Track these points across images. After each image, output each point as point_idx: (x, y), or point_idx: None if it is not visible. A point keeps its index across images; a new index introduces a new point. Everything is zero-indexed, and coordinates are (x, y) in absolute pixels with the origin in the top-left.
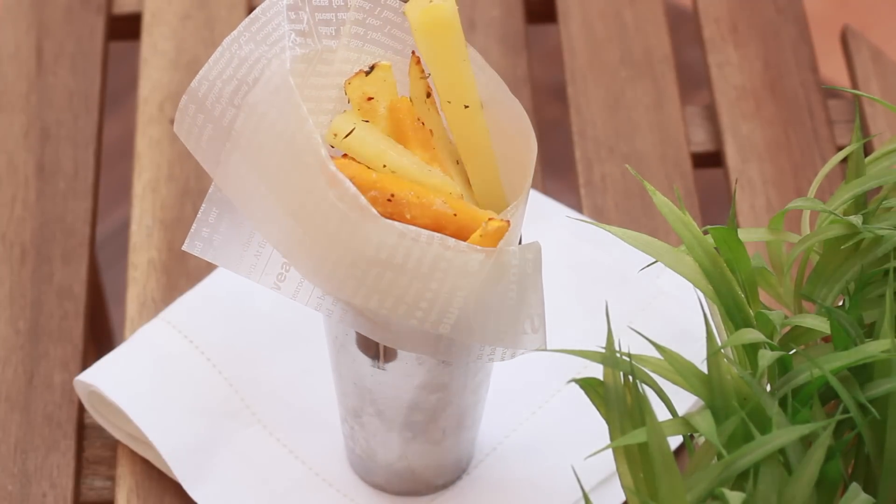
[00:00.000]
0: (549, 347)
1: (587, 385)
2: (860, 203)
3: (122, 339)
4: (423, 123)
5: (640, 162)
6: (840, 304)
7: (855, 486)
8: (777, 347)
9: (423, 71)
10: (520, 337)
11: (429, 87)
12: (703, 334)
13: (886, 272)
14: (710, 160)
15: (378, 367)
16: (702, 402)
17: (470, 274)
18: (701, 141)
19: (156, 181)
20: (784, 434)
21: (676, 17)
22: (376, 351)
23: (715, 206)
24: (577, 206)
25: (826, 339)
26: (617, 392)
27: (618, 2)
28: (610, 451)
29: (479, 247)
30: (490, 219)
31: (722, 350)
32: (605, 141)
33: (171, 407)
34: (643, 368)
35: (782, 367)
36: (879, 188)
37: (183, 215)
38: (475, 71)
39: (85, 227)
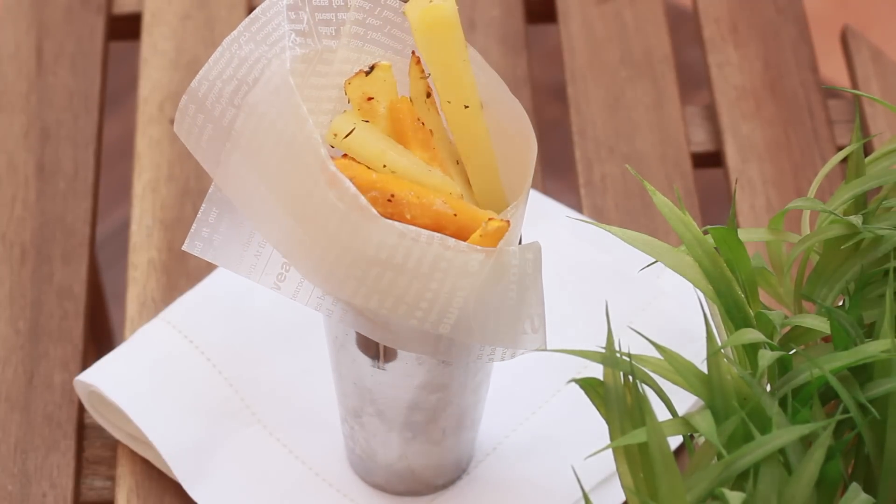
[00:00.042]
0: (549, 347)
1: (587, 385)
2: (860, 203)
3: (122, 339)
4: (423, 123)
5: (640, 162)
6: (840, 304)
7: (855, 486)
8: (777, 347)
9: (423, 71)
10: (520, 337)
11: (429, 87)
12: (703, 334)
13: (886, 272)
14: (710, 160)
15: (378, 367)
16: (702, 402)
17: (470, 274)
18: (701, 141)
19: (156, 181)
20: (784, 434)
21: (676, 17)
22: (376, 351)
23: (715, 206)
24: (577, 206)
25: (826, 339)
26: (617, 392)
27: (618, 2)
28: (610, 451)
29: (479, 247)
30: (490, 219)
31: (722, 350)
32: (605, 141)
33: (171, 407)
34: (643, 368)
35: (782, 367)
36: (879, 188)
37: (183, 215)
38: (475, 71)
39: (85, 227)
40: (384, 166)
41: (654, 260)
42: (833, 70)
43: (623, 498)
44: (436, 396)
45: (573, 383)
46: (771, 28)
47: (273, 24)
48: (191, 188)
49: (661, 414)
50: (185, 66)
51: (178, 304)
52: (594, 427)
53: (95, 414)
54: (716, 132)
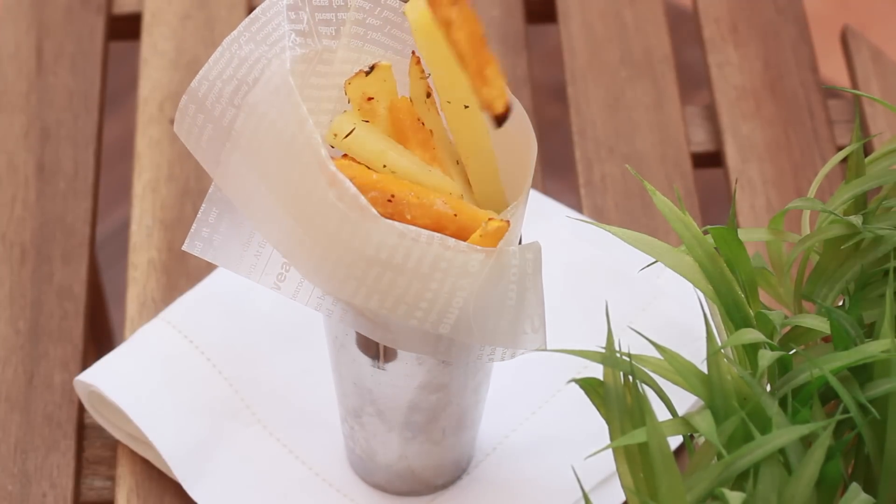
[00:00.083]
0: (549, 347)
1: (587, 385)
2: (860, 203)
3: (122, 339)
4: (423, 123)
5: (640, 162)
6: (840, 304)
7: (855, 486)
8: (777, 347)
9: (423, 71)
10: (520, 337)
11: (429, 87)
12: (703, 334)
13: (886, 272)
14: (710, 160)
15: (378, 367)
16: (702, 402)
17: (470, 274)
18: (701, 141)
19: (156, 181)
20: (784, 434)
21: (676, 17)
22: (376, 351)
23: (715, 206)
24: (577, 206)
25: (826, 339)
26: (617, 392)
27: (618, 2)
28: (610, 451)
29: (479, 247)
30: (490, 219)
31: (722, 350)
32: (605, 141)
33: (171, 407)
34: (643, 368)
35: (782, 367)
36: (879, 188)
37: (183, 215)
38: None
39: (85, 227)
40: (384, 166)
41: (654, 260)
42: (833, 70)
43: (623, 498)
44: (436, 396)
45: (573, 383)
46: (771, 28)
47: (273, 24)
48: (191, 188)
49: (661, 414)
50: (185, 66)
51: (178, 304)
52: (594, 427)
53: (95, 414)
54: (716, 132)
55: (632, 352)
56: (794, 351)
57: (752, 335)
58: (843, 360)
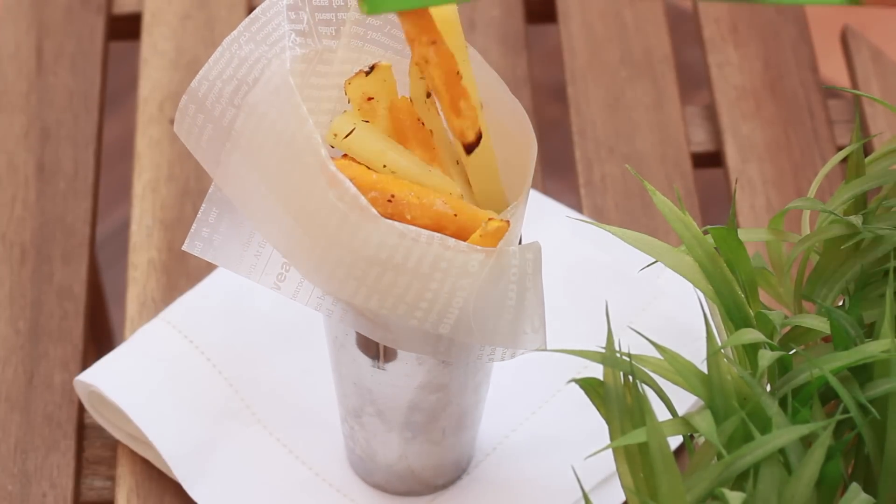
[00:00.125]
0: (549, 347)
1: (587, 385)
2: (860, 203)
3: (122, 339)
4: (423, 123)
5: (640, 162)
6: (840, 304)
7: (855, 486)
8: (777, 347)
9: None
10: (520, 337)
11: (428, 87)
12: (703, 334)
13: (886, 272)
14: (710, 160)
15: (378, 367)
16: (702, 402)
17: (470, 274)
18: (701, 141)
19: (156, 181)
20: (784, 434)
21: (676, 17)
22: (376, 351)
23: (715, 206)
24: (577, 206)
25: (826, 339)
26: (617, 392)
27: (618, 2)
28: (610, 451)
29: (479, 247)
30: (490, 219)
31: (722, 350)
32: (605, 141)
33: (171, 407)
34: (643, 368)
35: (782, 367)
36: (879, 188)
37: (183, 215)
38: (475, 71)
39: (85, 227)
40: (384, 166)
41: (654, 260)
42: (833, 70)
43: (623, 498)
44: (436, 396)
45: (573, 383)
46: (771, 28)
47: (273, 24)
48: (191, 188)
49: (661, 414)
50: (185, 66)
51: (178, 304)
52: (594, 427)
53: (95, 414)
54: (716, 132)
55: (632, 352)
56: (794, 351)
57: (752, 335)
58: (843, 360)
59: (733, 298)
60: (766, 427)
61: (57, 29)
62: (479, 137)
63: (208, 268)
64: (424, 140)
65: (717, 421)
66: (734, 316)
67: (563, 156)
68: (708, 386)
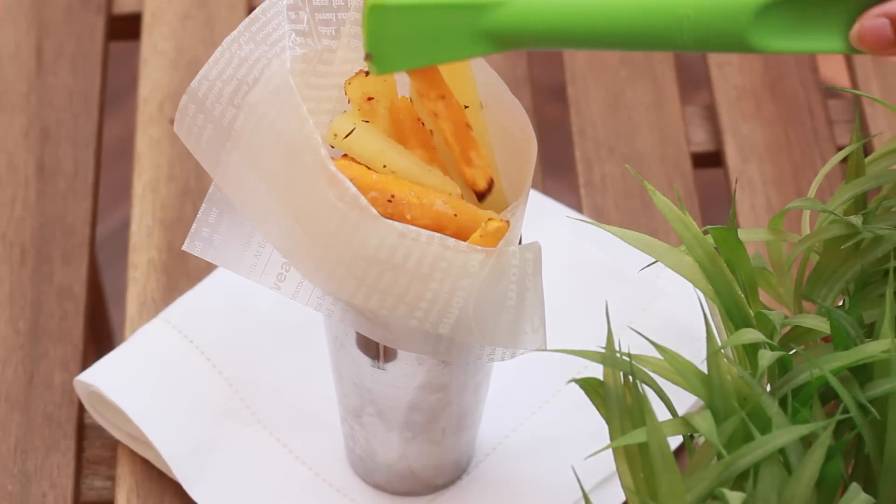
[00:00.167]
0: (549, 347)
1: (587, 385)
2: (860, 203)
3: (122, 339)
4: (422, 123)
5: (640, 162)
6: (840, 304)
7: (855, 486)
8: (777, 347)
9: None
10: (520, 337)
11: None
12: (703, 334)
13: (886, 272)
14: (710, 160)
15: (378, 367)
16: (702, 402)
17: (470, 274)
18: (701, 141)
19: (156, 181)
20: (784, 434)
21: None
22: (376, 351)
23: (715, 206)
24: (577, 206)
25: (826, 339)
26: (617, 392)
27: None
28: (610, 451)
29: (479, 247)
30: (490, 219)
31: (722, 350)
32: (605, 141)
33: (171, 407)
34: (643, 368)
35: (782, 367)
36: (879, 188)
37: (183, 215)
38: (475, 71)
39: (85, 227)
40: (384, 166)
41: (654, 260)
42: (833, 70)
43: (623, 498)
44: (436, 396)
45: (573, 383)
46: None
47: (273, 24)
48: (191, 188)
49: (661, 414)
50: (185, 66)
51: (178, 304)
52: (594, 427)
53: (95, 414)
54: (716, 132)
55: (632, 352)
56: (794, 351)
57: (752, 335)
58: (843, 360)
59: (733, 298)
60: (766, 427)
61: (57, 29)
62: (490, 185)
63: (208, 268)
64: (424, 140)
65: (717, 421)
66: (734, 316)
67: (563, 156)
68: (708, 386)
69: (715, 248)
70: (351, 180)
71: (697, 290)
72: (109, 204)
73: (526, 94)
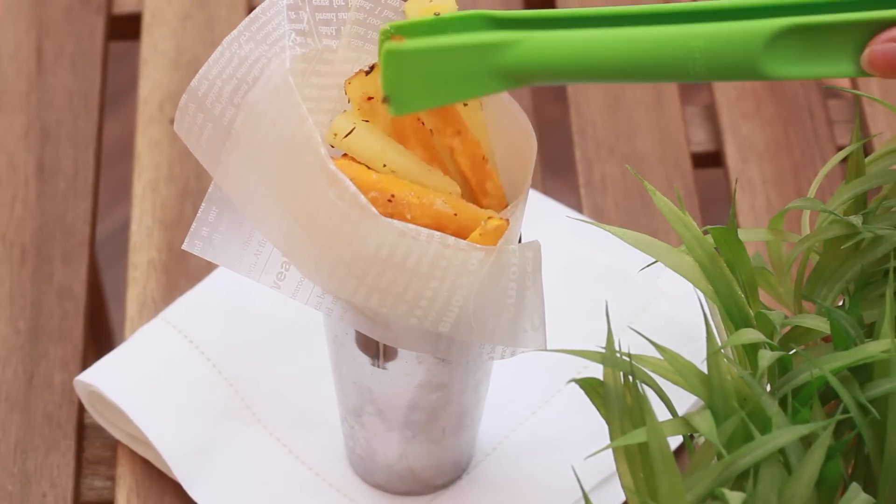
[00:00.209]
0: (548, 347)
1: (587, 385)
2: (860, 203)
3: (122, 339)
4: (422, 123)
5: (640, 162)
6: (840, 304)
7: (855, 486)
8: (777, 347)
9: None
10: (520, 335)
11: None
12: (703, 334)
13: (886, 272)
14: (710, 160)
15: (378, 367)
16: (702, 402)
17: (470, 272)
18: (701, 141)
19: (156, 181)
20: (784, 434)
21: None
22: (376, 350)
23: (715, 206)
24: (577, 206)
25: (826, 339)
26: (617, 392)
27: (618, 1)
28: (610, 451)
29: (478, 245)
30: (489, 217)
31: (722, 350)
32: (605, 141)
33: (171, 407)
34: (643, 368)
35: (782, 367)
36: (879, 188)
37: (183, 215)
38: None
39: (85, 227)
40: (384, 166)
41: (654, 260)
42: None
43: (623, 498)
44: (436, 395)
45: (573, 383)
46: None
47: (273, 24)
48: (191, 188)
49: (661, 414)
50: (185, 66)
51: (178, 304)
52: (594, 427)
53: (95, 414)
54: (716, 132)
55: (632, 352)
56: (794, 351)
57: (752, 335)
58: (843, 360)
59: (733, 298)
60: (766, 427)
61: (57, 29)
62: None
63: (208, 268)
64: (424, 139)
65: (717, 421)
66: (734, 316)
67: (563, 156)
68: (708, 386)
69: (715, 248)
70: (351, 179)
71: (697, 290)
72: (109, 204)
73: (526, 94)
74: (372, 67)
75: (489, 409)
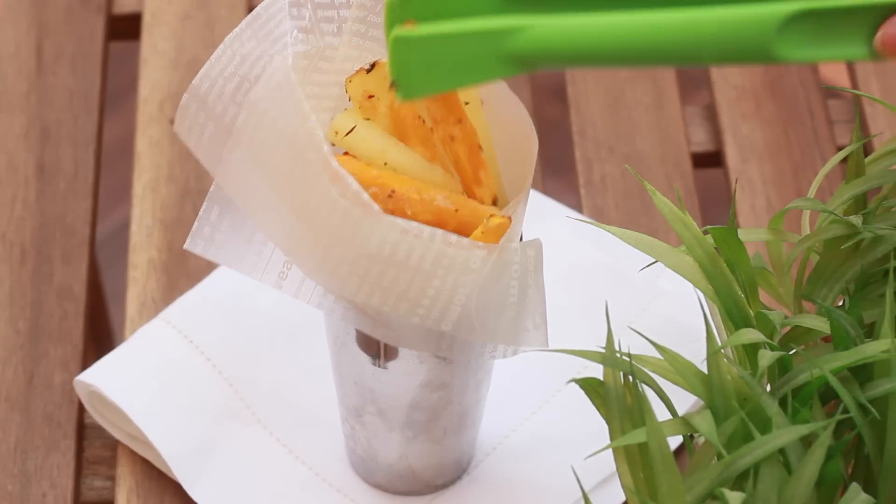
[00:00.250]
0: (549, 347)
1: (587, 385)
2: (860, 203)
3: (122, 339)
4: (423, 121)
5: (640, 162)
6: (840, 304)
7: (855, 486)
8: (777, 347)
9: None
10: (521, 334)
11: None
12: (703, 334)
13: (886, 272)
14: (710, 160)
15: (379, 366)
16: (702, 402)
17: (472, 270)
18: (701, 141)
19: (156, 181)
20: (784, 434)
21: None
22: (377, 349)
23: (715, 206)
24: (577, 206)
25: (826, 339)
26: (617, 392)
27: None
28: (610, 451)
29: (480, 243)
30: (491, 215)
31: (722, 350)
32: (605, 141)
33: (171, 407)
34: (643, 368)
35: (782, 367)
36: (879, 188)
37: (183, 215)
38: None
39: (85, 227)
40: (385, 164)
41: (654, 260)
42: (833, 70)
43: (623, 498)
44: (437, 395)
45: (573, 383)
46: None
47: (275, 21)
48: (191, 188)
49: (661, 414)
50: (185, 66)
51: (178, 304)
52: (594, 427)
53: (95, 414)
54: (716, 132)
55: (632, 352)
56: (794, 351)
57: (752, 335)
58: (843, 360)
59: (733, 298)
60: (766, 427)
61: (57, 29)
62: (494, 202)
63: (208, 267)
64: (425, 137)
65: (717, 421)
66: (734, 316)
67: (563, 156)
68: (708, 386)
69: (715, 248)
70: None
71: (697, 290)
72: (109, 204)
73: (526, 94)
74: (373, 65)
75: (489, 409)
